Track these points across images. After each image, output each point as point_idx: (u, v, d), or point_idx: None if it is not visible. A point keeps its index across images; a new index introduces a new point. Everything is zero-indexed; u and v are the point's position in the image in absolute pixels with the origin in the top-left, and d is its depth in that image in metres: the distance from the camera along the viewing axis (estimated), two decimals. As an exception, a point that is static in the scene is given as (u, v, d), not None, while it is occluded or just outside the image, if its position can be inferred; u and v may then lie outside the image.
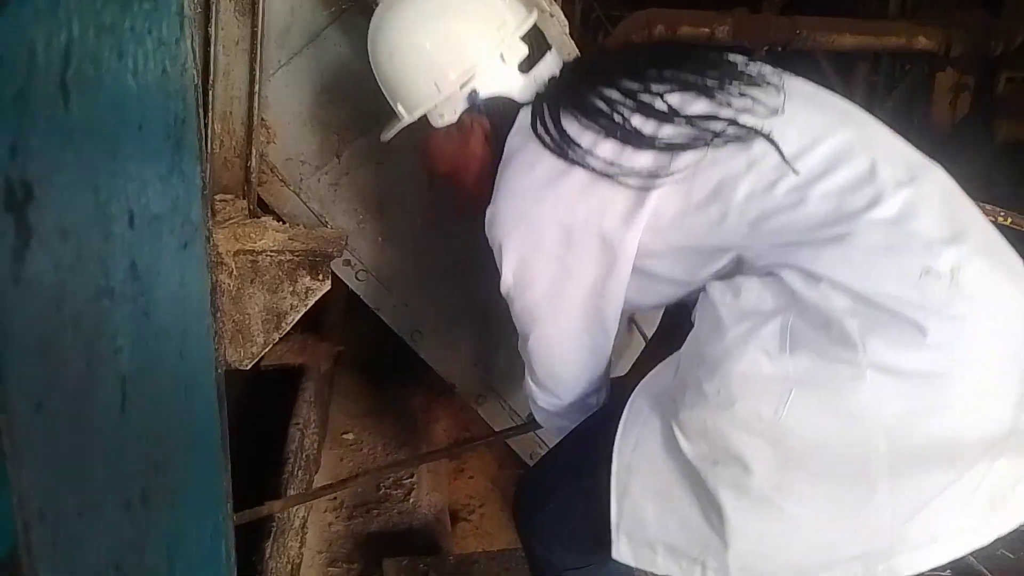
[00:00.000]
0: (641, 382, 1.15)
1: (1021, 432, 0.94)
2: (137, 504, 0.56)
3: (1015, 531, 2.29)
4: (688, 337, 1.08)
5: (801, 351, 0.93)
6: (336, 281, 2.83)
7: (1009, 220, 1.80)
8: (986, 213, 1.11)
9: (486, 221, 1.18)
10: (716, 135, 1.02)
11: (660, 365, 1.15)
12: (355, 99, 1.65)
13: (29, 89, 0.41)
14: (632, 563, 1.10)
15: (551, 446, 2.05)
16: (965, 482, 0.94)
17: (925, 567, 0.96)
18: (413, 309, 1.85)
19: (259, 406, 2.47)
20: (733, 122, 1.03)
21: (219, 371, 1.60)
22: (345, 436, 2.57)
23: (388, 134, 1.35)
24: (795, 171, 1.00)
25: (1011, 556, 2.22)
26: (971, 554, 1.72)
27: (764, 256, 1.00)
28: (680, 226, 1.06)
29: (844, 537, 0.97)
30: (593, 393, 1.30)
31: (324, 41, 1.62)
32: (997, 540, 2.16)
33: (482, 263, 1.85)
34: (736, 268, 1.06)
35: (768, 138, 1.01)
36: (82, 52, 0.45)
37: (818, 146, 1.01)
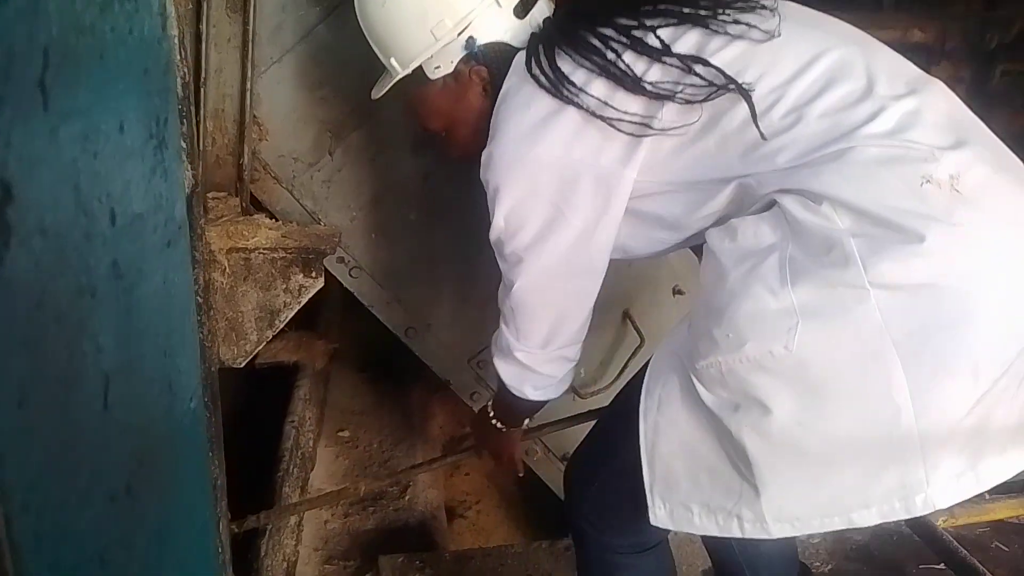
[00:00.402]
0: (659, 346, 1.17)
1: None
2: (123, 497, 0.56)
3: (1005, 521, 2.28)
4: (697, 293, 1.12)
5: (802, 282, 0.93)
6: (331, 278, 2.84)
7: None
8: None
9: (482, 163, 1.17)
10: (705, 93, 1.01)
11: (674, 325, 1.18)
12: (348, 95, 1.65)
13: (7, 90, 0.42)
14: (671, 526, 1.10)
15: (541, 439, 2.06)
16: (992, 402, 0.92)
17: (963, 496, 0.94)
18: (407, 305, 1.86)
19: (255, 404, 2.48)
20: (717, 69, 1.02)
21: (212, 369, 1.61)
22: (341, 433, 2.57)
23: (379, 91, 1.32)
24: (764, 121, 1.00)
25: (1005, 548, 2.23)
26: (964, 548, 1.73)
27: (764, 184, 1.00)
28: (677, 161, 1.06)
29: (875, 471, 0.94)
30: (572, 344, 1.27)
31: (316, 38, 1.61)
32: (989, 530, 2.15)
33: (476, 259, 1.86)
34: (734, 204, 1.06)
35: (743, 91, 0.99)
36: (61, 53, 0.46)
37: (815, 65, 1.00)
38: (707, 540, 1.45)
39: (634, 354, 1.99)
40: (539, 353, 1.24)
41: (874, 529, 2.26)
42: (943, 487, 0.93)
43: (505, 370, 1.30)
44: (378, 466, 2.45)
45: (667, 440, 1.08)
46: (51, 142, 0.45)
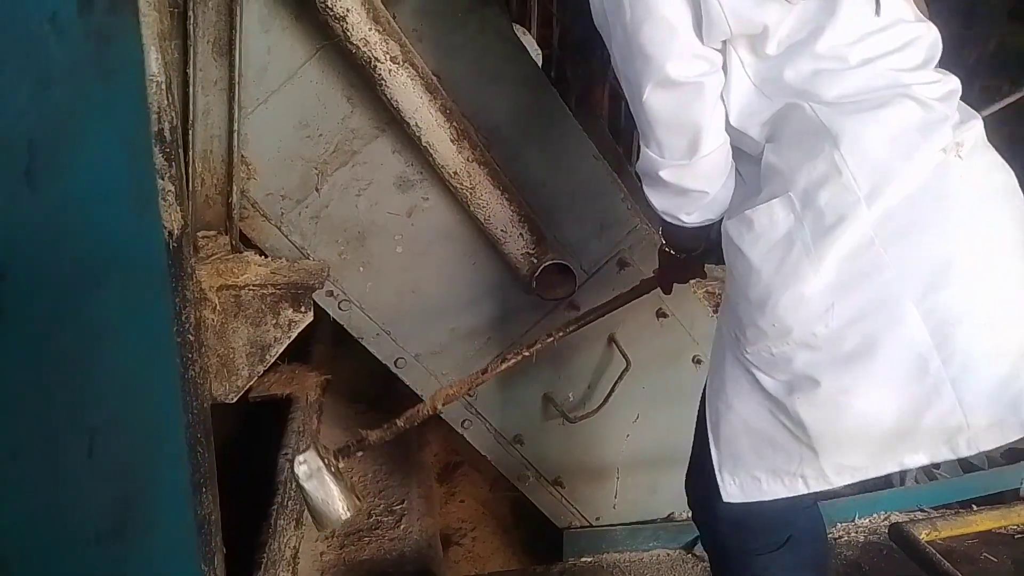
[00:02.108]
0: (714, 342, 1.28)
1: None
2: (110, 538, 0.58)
3: (993, 532, 2.30)
4: (728, 280, 1.20)
5: (825, 262, 1.03)
6: (322, 311, 2.87)
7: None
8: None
9: None
10: None
11: (718, 322, 1.28)
12: (332, 134, 1.70)
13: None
14: (743, 498, 1.21)
15: (532, 464, 2.08)
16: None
17: (1006, 439, 1.06)
18: (396, 336, 1.89)
19: (249, 438, 2.49)
20: None
21: (204, 405, 1.63)
22: (335, 464, 2.58)
23: None
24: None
25: (994, 559, 2.25)
26: (953, 561, 1.76)
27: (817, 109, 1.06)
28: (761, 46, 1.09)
29: (916, 418, 1.05)
30: (720, 147, 1.16)
31: (302, 78, 1.66)
32: (978, 542, 2.18)
33: (461, 291, 1.90)
34: (774, 124, 1.11)
35: None
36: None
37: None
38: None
39: (621, 377, 2.02)
40: (688, 166, 1.15)
41: (863, 544, 2.28)
42: (985, 429, 1.05)
43: (656, 199, 1.23)
44: (373, 496, 2.46)
45: (727, 422, 1.20)
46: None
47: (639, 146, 1.23)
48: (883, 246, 1.02)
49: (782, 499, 1.21)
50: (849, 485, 1.17)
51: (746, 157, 1.18)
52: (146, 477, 0.72)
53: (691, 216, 1.21)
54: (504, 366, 1.57)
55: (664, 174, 1.15)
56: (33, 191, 0.45)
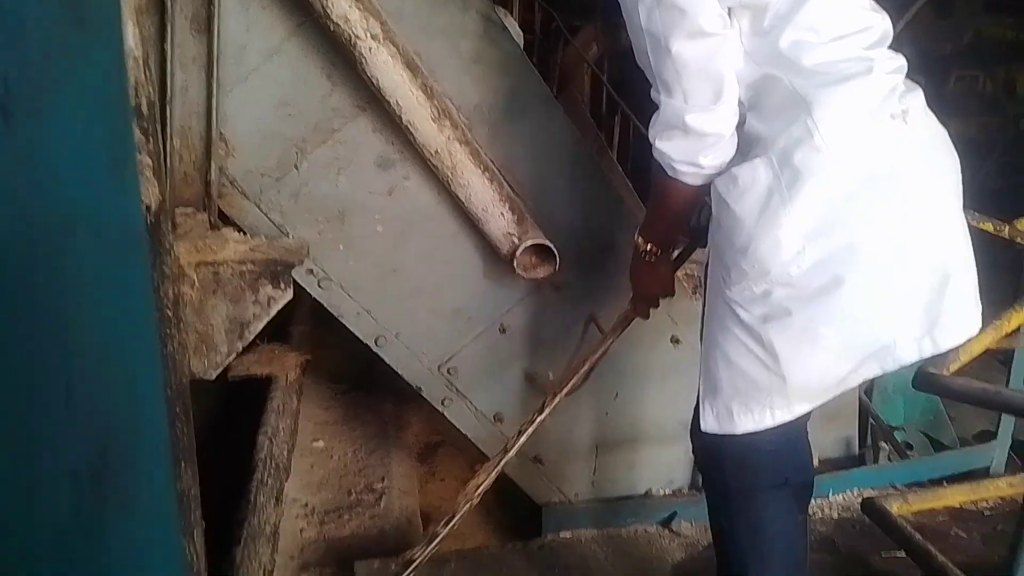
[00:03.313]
0: (706, 289, 1.43)
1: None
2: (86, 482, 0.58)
3: (964, 509, 2.34)
4: (712, 228, 1.35)
5: (798, 212, 1.19)
6: (302, 291, 2.86)
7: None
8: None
9: None
10: None
11: (708, 270, 1.41)
12: (313, 112, 1.70)
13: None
14: (718, 430, 1.38)
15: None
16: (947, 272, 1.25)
17: (924, 355, 1.28)
18: (376, 315, 1.89)
19: (229, 418, 2.49)
20: None
21: (183, 381, 1.63)
22: (315, 444, 2.59)
23: None
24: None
25: (964, 536, 2.31)
26: (924, 536, 1.79)
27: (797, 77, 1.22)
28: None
29: (869, 340, 1.25)
30: (735, 95, 1.27)
31: (281, 56, 1.65)
32: (949, 518, 2.22)
33: (441, 270, 1.91)
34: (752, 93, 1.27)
35: None
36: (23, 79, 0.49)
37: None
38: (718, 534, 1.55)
39: (600, 356, 2.04)
40: (712, 111, 1.25)
41: (836, 521, 2.33)
42: (910, 346, 1.26)
43: (673, 147, 1.30)
44: (354, 475, 2.47)
45: (712, 357, 1.37)
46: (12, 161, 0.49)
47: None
48: (846, 198, 1.19)
49: (780, 440, 1.38)
50: (822, 462, 1.26)
51: None
52: (125, 451, 0.72)
53: (707, 159, 1.29)
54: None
55: (689, 119, 1.26)
56: (7, 126, 0.46)
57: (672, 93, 1.26)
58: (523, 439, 1.76)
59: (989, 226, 2.21)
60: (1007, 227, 2.29)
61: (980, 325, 1.33)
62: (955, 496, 1.61)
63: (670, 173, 1.34)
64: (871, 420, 2.91)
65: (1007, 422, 2.49)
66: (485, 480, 1.66)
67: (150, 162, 1.30)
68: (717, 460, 1.47)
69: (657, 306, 1.72)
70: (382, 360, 2.01)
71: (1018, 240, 2.30)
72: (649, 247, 1.54)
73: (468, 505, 1.66)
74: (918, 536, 1.41)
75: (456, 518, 1.68)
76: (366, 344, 1.96)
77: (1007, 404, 1.32)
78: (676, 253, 1.67)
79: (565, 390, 1.77)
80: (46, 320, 0.53)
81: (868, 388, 3.33)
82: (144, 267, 0.96)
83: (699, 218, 1.55)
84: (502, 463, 1.71)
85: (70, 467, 0.59)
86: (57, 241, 0.54)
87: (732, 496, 1.46)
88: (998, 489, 1.64)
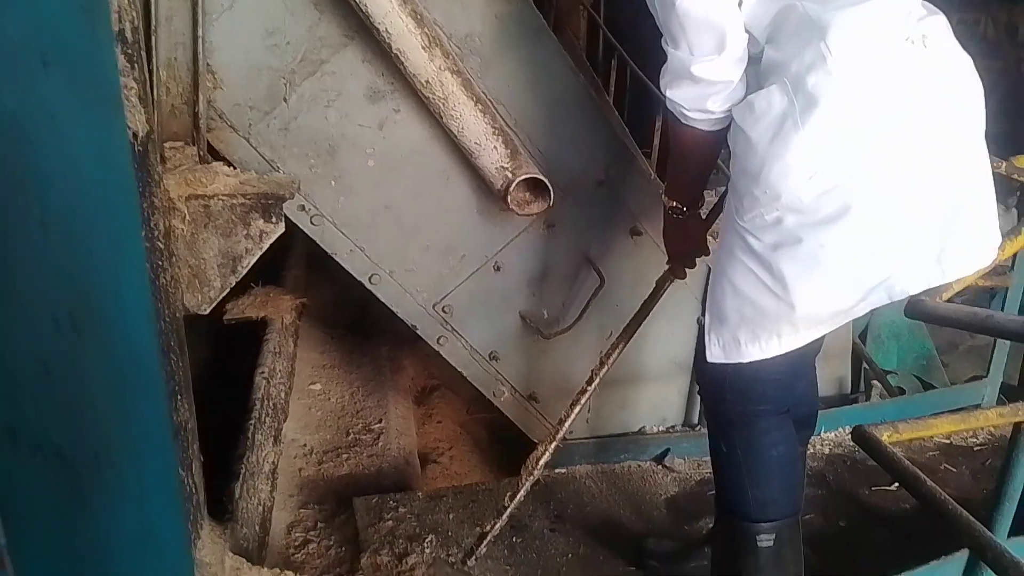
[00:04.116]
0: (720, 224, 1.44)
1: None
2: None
3: (953, 444, 2.37)
4: (731, 162, 1.35)
5: (809, 135, 1.18)
6: (296, 238, 2.84)
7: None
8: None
9: None
10: None
11: (725, 203, 1.43)
12: (300, 42, 1.66)
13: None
14: (724, 359, 1.39)
15: (507, 380, 2.12)
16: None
17: (929, 284, 1.28)
18: (370, 253, 1.88)
19: (225, 361, 2.50)
20: None
21: (177, 315, 1.63)
22: (312, 387, 2.61)
23: None
24: None
25: (953, 469, 2.35)
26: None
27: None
28: None
29: (875, 268, 1.25)
30: (740, 42, 1.28)
31: (267, -16, 1.62)
32: (938, 453, 2.25)
33: (435, 208, 1.89)
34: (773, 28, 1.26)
35: None
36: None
37: None
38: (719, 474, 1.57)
39: (595, 294, 2.05)
40: (717, 60, 1.27)
41: (828, 457, 2.36)
42: (914, 277, 1.26)
43: (682, 95, 1.32)
44: (351, 416, 2.49)
45: (720, 287, 1.38)
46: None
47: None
48: (858, 123, 1.18)
49: (785, 370, 1.40)
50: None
51: (751, 58, 1.31)
52: (121, 384, 0.71)
53: (716, 104, 1.30)
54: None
55: (695, 69, 1.27)
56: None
57: (678, 44, 1.28)
58: (577, 410, 1.79)
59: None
60: (1004, 164, 2.27)
61: (993, 256, 1.32)
62: (945, 426, 1.61)
63: (684, 121, 1.36)
64: (864, 364, 2.94)
65: (998, 360, 2.51)
66: (544, 453, 1.71)
67: (135, 86, 1.27)
68: (720, 389, 1.48)
69: (693, 266, 1.72)
70: (377, 305, 2.01)
71: (1015, 176, 2.29)
72: (675, 204, 1.55)
73: (531, 479, 1.70)
74: (906, 462, 1.42)
75: (521, 492, 1.72)
76: (361, 289, 1.95)
77: (998, 328, 1.32)
78: (706, 213, 1.66)
79: (612, 359, 1.79)
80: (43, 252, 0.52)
81: (862, 333, 3.36)
82: (133, 199, 0.94)
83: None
84: (560, 435, 1.75)
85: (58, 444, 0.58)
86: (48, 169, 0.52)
87: (733, 422, 1.48)
88: (988, 419, 1.64)
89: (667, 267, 1.75)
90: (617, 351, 1.78)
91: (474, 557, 1.66)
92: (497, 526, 1.68)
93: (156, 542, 0.66)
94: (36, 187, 0.49)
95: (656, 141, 2.77)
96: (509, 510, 1.68)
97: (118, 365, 0.62)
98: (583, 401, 1.77)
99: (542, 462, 1.70)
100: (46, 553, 0.48)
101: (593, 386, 1.77)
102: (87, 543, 0.55)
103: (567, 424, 1.74)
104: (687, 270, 1.73)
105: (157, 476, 0.80)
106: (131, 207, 0.75)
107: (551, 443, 1.73)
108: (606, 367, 1.78)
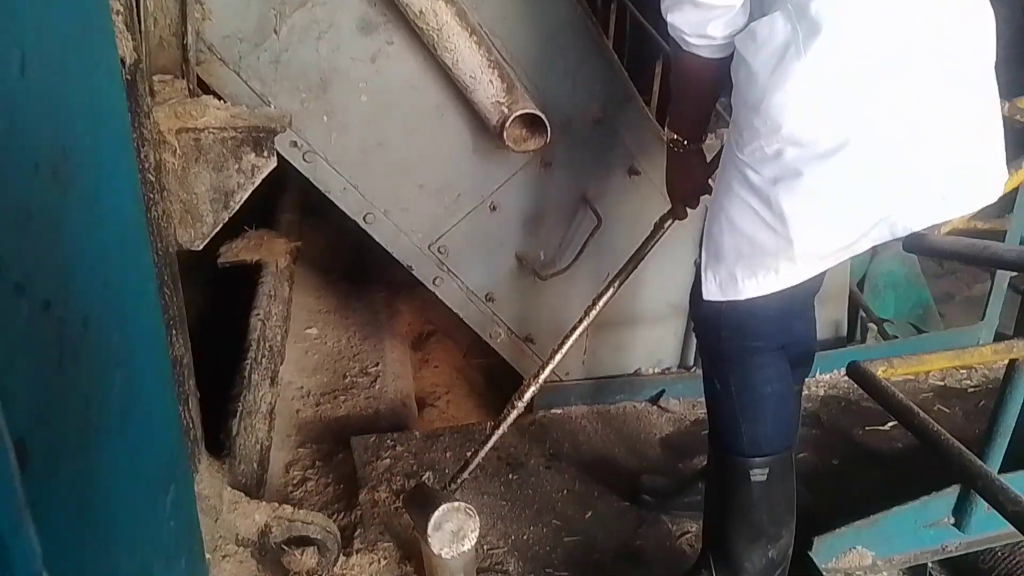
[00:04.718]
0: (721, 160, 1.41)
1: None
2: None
3: (948, 386, 2.38)
4: (732, 96, 1.31)
5: (812, 63, 1.16)
6: (289, 183, 2.81)
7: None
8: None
9: None
10: None
11: (726, 138, 1.39)
12: (290, -28, 1.62)
13: None
14: (720, 296, 1.38)
15: (503, 321, 2.12)
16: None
17: (933, 220, 1.27)
18: (364, 191, 1.86)
19: (220, 305, 2.50)
20: None
21: (170, 250, 1.62)
22: (309, 331, 2.61)
23: None
24: None
25: (947, 410, 2.36)
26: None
27: None
28: None
29: (876, 203, 1.23)
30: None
31: (254, -90, 1.57)
32: (932, 395, 2.26)
33: (430, 145, 1.87)
34: None
35: None
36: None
37: None
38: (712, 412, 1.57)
39: (592, 235, 2.03)
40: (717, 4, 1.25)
41: (822, 398, 2.38)
42: (916, 213, 1.24)
43: (684, 19, 1.29)
44: (348, 360, 2.50)
45: (717, 223, 1.35)
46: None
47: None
48: (861, 52, 1.15)
49: (780, 308, 1.38)
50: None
51: None
52: (106, 244, 0.70)
53: (717, 29, 1.27)
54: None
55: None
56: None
57: None
58: (567, 346, 1.74)
59: (989, 102, 2.16)
60: (1006, 104, 2.24)
61: (999, 193, 1.30)
62: (940, 361, 1.62)
63: (684, 48, 1.33)
64: (861, 312, 2.95)
65: (994, 303, 2.51)
66: (531, 386, 1.69)
67: (121, 8, 1.24)
68: (715, 326, 1.47)
69: (695, 206, 1.68)
70: (373, 252, 1.99)
71: (1017, 118, 2.26)
72: (676, 136, 1.53)
73: (516, 411, 1.69)
74: (900, 395, 1.43)
75: (505, 423, 1.70)
76: (356, 235, 1.93)
77: (995, 258, 1.31)
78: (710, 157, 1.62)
79: (606, 299, 1.75)
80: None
81: (859, 282, 3.36)
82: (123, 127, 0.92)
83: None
84: (548, 370, 1.72)
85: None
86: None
87: (727, 358, 1.47)
88: (983, 356, 1.65)
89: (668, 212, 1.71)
90: (612, 291, 1.76)
91: (456, 483, 1.67)
92: (480, 454, 1.68)
93: (143, 408, 0.66)
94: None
95: (656, 87, 2.73)
96: (493, 440, 1.68)
97: (101, 221, 0.61)
98: (573, 339, 1.74)
99: (528, 395, 1.69)
100: (32, 405, 0.48)
101: (585, 325, 1.75)
102: (74, 401, 0.54)
103: (556, 359, 1.72)
104: (688, 210, 1.70)
105: (144, 341, 0.78)
106: (108, 51, 0.72)
107: (539, 375, 1.72)
108: (598, 307, 1.75)
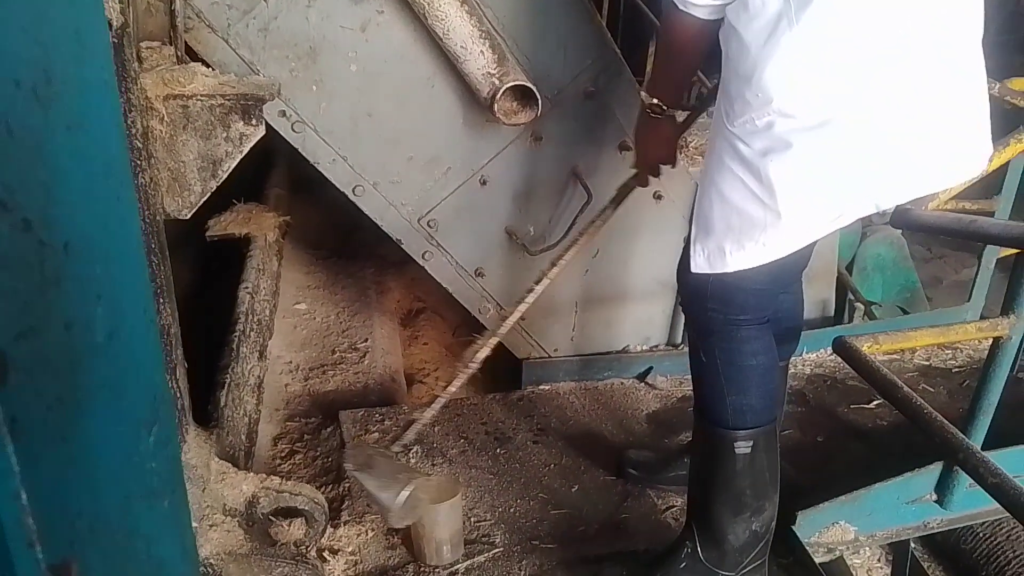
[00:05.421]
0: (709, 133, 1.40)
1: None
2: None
3: (932, 366, 2.39)
4: (723, 65, 1.31)
5: (804, 35, 1.16)
6: (278, 158, 2.79)
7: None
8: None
9: None
10: None
11: (715, 111, 1.38)
12: (279, -62, 1.60)
13: None
14: (708, 269, 1.38)
15: (493, 296, 2.12)
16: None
17: (914, 195, 1.29)
18: (353, 163, 1.85)
19: (212, 283, 2.49)
20: None
21: (158, 218, 1.61)
22: (298, 306, 2.61)
23: None
24: None
25: (931, 390, 2.39)
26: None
27: None
28: None
29: (865, 176, 1.23)
30: None
31: None
32: (917, 374, 2.26)
33: (419, 117, 1.85)
34: None
35: None
36: None
37: None
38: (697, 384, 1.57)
39: (582, 211, 2.03)
40: None
41: (808, 376, 2.40)
42: (901, 186, 1.26)
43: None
44: (337, 336, 2.50)
45: (707, 196, 1.36)
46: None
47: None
48: (853, 23, 1.15)
49: (767, 281, 1.39)
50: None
51: None
52: (88, 165, 0.69)
53: None
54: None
55: None
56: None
57: None
58: (521, 310, 1.74)
59: (979, 83, 2.17)
60: (997, 85, 2.25)
61: (983, 167, 1.31)
62: (925, 338, 1.63)
63: (680, 7, 1.32)
64: (849, 294, 2.96)
65: (981, 284, 2.53)
66: (483, 347, 1.68)
67: (105, -31, 1.22)
68: (702, 298, 1.47)
69: (658, 174, 1.68)
70: (362, 228, 1.98)
71: (1008, 99, 2.27)
72: (655, 101, 1.52)
73: (467, 371, 1.68)
74: (884, 370, 1.44)
75: (455, 383, 1.70)
76: (346, 212, 1.92)
77: (981, 232, 1.32)
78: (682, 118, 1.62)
79: (563, 261, 1.73)
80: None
81: (848, 264, 3.38)
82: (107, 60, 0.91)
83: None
84: (502, 332, 1.71)
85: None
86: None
87: (713, 331, 1.48)
88: (967, 333, 1.66)
89: (635, 170, 1.70)
90: (570, 253, 1.72)
91: (399, 443, 1.66)
92: (427, 415, 1.67)
93: (126, 342, 0.65)
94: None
95: (648, 67, 2.72)
96: (442, 400, 1.67)
97: (84, 149, 0.60)
98: (529, 300, 1.72)
99: (480, 355, 1.66)
100: (13, 320, 0.48)
101: (542, 286, 1.72)
102: (55, 323, 0.54)
103: (510, 321, 1.70)
104: (651, 178, 1.69)
105: (128, 274, 0.77)
106: None
107: (491, 337, 1.68)
108: (555, 270, 1.72)
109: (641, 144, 1.64)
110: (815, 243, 1.39)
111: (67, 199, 0.57)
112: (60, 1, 0.56)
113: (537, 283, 1.74)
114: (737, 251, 1.34)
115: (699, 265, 1.40)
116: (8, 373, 0.45)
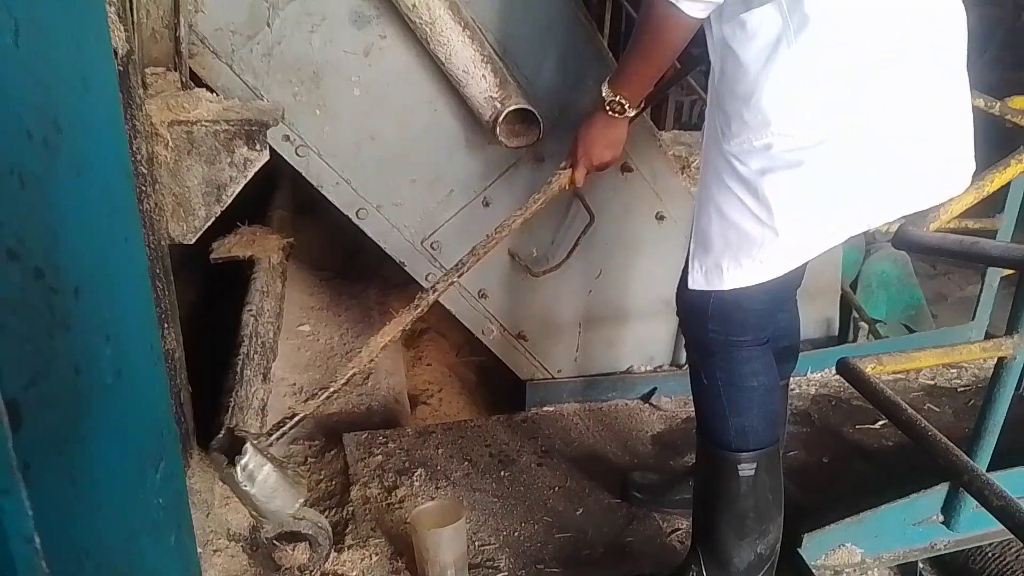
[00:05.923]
0: (703, 146, 1.40)
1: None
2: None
3: (937, 385, 2.38)
4: (716, 77, 1.30)
5: (804, 58, 1.17)
6: (282, 180, 2.81)
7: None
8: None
9: None
10: None
11: (705, 124, 1.39)
12: (282, -35, 1.62)
13: None
14: (706, 286, 1.38)
15: (496, 318, 2.12)
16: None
17: (906, 212, 1.32)
18: (356, 186, 1.86)
19: (215, 305, 2.49)
20: None
21: (162, 243, 1.61)
22: (301, 328, 2.61)
23: None
24: None
25: (936, 409, 2.37)
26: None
27: None
28: None
29: (863, 194, 1.25)
30: None
31: (247, -96, 1.57)
32: (922, 393, 2.24)
33: (422, 139, 1.87)
34: None
35: None
36: None
37: None
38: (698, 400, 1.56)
39: (584, 232, 2.03)
40: None
41: (813, 396, 2.39)
42: (892, 204, 1.28)
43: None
44: (340, 357, 2.50)
45: (705, 213, 1.36)
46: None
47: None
48: (852, 47, 1.16)
49: (766, 299, 1.39)
50: (802, 342, 1.32)
51: None
52: (96, 212, 0.69)
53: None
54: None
55: None
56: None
57: None
58: (458, 275, 1.65)
59: (980, 103, 2.17)
60: (998, 104, 2.26)
61: (967, 183, 1.32)
62: (929, 359, 1.63)
63: (677, 4, 1.24)
64: (853, 312, 2.95)
65: (985, 303, 2.53)
66: (415, 309, 1.59)
67: (115, 2, 1.25)
68: (701, 317, 1.46)
69: (592, 170, 1.61)
70: (365, 250, 1.99)
71: (1008, 117, 2.28)
72: (618, 98, 1.45)
73: (388, 337, 1.59)
74: (888, 391, 1.43)
75: (366, 361, 1.61)
76: (349, 233, 1.92)
77: (984, 254, 1.32)
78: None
79: (490, 245, 1.65)
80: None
81: (852, 282, 3.38)
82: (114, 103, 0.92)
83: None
84: (432, 299, 1.64)
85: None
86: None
87: (714, 351, 1.47)
88: (971, 353, 1.65)
89: (562, 170, 1.63)
90: (502, 232, 1.64)
91: (277, 434, 1.60)
92: (323, 396, 1.61)
93: (132, 381, 0.65)
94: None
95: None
96: (350, 374, 1.61)
97: (90, 193, 0.61)
98: (464, 270, 1.64)
99: (408, 320, 1.61)
100: (24, 368, 0.48)
101: (475, 260, 1.63)
102: (64, 368, 0.55)
103: (441, 291, 1.65)
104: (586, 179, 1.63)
105: (134, 315, 0.77)
106: (99, 23, 0.71)
107: (421, 303, 1.64)
108: (489, 245, 1.64)
109: (589, 143, 1.56)
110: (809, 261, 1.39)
111: (75, 244, 0.57)
112: (68, 48, 0.57)
113: (471, 255, 1.66)
114: (735, 268, 1.34)
115: (697, 282, 1.40)
116: (21, 422, 0.46)
